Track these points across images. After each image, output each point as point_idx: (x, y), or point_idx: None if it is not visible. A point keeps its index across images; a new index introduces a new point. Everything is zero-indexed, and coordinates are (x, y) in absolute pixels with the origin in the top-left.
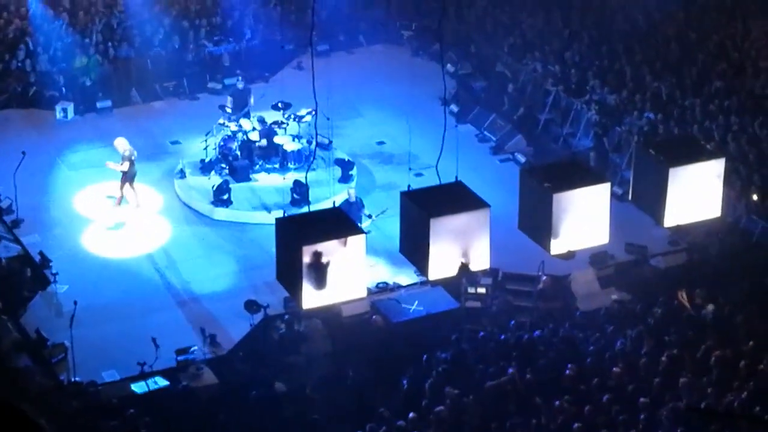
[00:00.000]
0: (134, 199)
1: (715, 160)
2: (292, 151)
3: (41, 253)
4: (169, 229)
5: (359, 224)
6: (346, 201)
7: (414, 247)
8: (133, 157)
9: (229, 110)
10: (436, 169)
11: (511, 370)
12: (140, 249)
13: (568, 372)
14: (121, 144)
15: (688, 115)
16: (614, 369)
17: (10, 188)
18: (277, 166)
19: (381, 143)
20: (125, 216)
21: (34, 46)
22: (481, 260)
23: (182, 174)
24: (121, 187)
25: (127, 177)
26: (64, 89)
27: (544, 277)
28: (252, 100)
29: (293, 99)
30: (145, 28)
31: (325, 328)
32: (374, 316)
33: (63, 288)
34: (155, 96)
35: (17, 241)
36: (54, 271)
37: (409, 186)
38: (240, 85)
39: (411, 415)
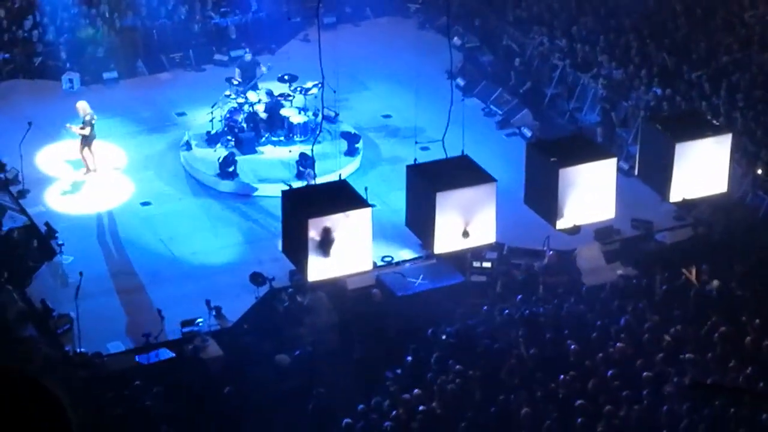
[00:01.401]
0: (91, 163)
1: (721, 136)
2: (298, 124)
3: (47, 224)
4: (174, 200)
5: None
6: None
7: (420, 221)
8: (93, 121)
9: (236, 82)
10: (443, 143)
11: (515, 345)
12: (146, 221)
13: (572, 347)
14: (83, 107)
15: (695, 90)
16: (618, 344)
17: (16, 159)
18: (282, 138)
19: (387, 116)
20: (82, 178)
21: (40, 16)
22: (486, 234)
23: (188, 146)
24: (81, 151)
25: (87, 140)
26: (70, 60)
27: (550, 252)
28: (264, 69)
29: (300, 71)
30: None
31: (330, 301)
32: (374, 290)
33: (69, 259)
34: (161, 67)
35: (23, 211)
36: (60, 242)
37: (415, 159)
38: (248, 57)
39: (418, 387)
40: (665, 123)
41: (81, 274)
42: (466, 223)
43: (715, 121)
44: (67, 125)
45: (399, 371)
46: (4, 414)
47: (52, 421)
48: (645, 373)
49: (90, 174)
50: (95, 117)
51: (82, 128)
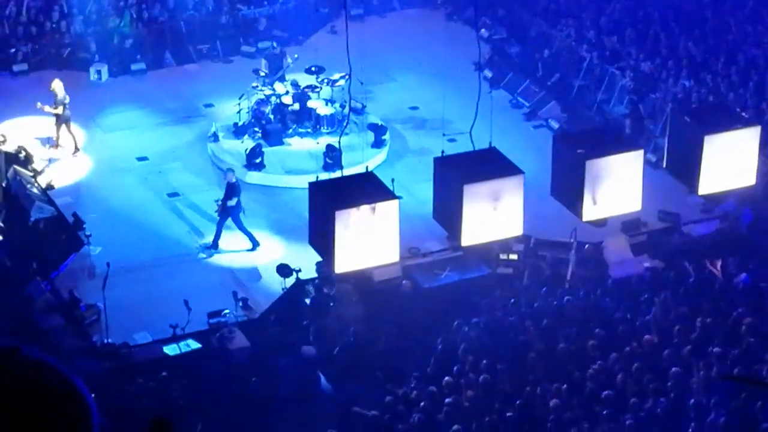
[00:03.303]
0: (71, 143)
1: (750, 128)
2: (325, 116)
3: (75, 215)
4: (201, 191)
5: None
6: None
7: (447, 213)
8: (65, 102)
9: (263, 73)
10: (470, 134)
11: (541, 337)
12: (174, 212)
13: (599, 339)
14: (58, 87)
15: (724, 82)
16: (645, 336)
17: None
18: (309, 130)
19: (414, 108)
20: (62, 158)
21: (68, 7)
22: (514, 226)
23: (215, 137)
24: (57, 130)
25: (62, 120)
26: (98, 51)
27: (587, 245)
28: (290, 60)
29: (327, 63)
30: None
31: (356, 292)
32: (404, 281)
33: (96, 250)
34: (189, 59)
35: (51, 202)
36: (87, 233)
37: (442, 152)
38: (276, 50)
39: (445, 379)
40: (694, 115)
41: (108, 264)
42: (495, 217)
43: (743, 114)
44: (38, 104)
45: (425, 363)
46: (25, 402)
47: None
48: (672, 367)
49: (71, 153)
50: (68, 97)
51: (54, 108)
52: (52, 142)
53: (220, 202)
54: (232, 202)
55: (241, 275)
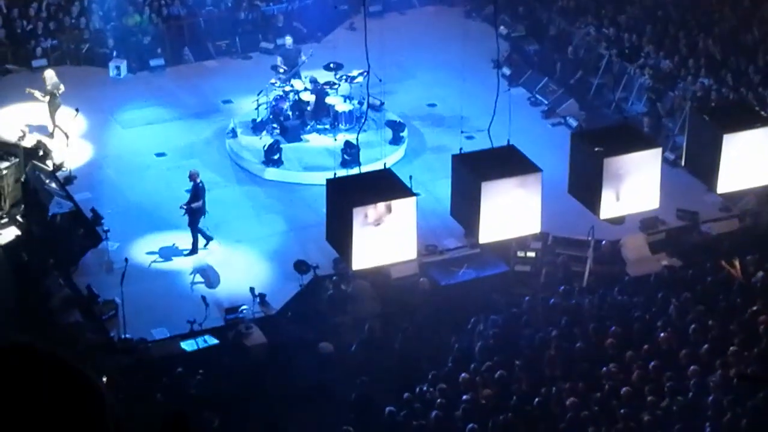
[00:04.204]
0: (61, 133)
1: None
2: (344, 112)
3: (93, 210)
4: (219, 187)
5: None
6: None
7: (464, 211)
8: (56, 91)
9: (282, 70)
10: (488, 132)
11: (558, 335)
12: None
13: (616, 338)
14: (50, 76)
15: (743, 80)
16: (662, 335)
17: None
18: (328, 126)
19: (432, 105)
20: (59, 147)
21: (88, 3)
22: (531, 224)
23: (233, 133)
24: (52, 119)
25: (54, 108)
26: (117, 47)
27: (604, 242)
28: (304, 57)
29: (345, 60)
30: None
31: (373, 289)
32: (421, 279)
33: (114, 245)
34: (207, 55)
35: (70, 197)
36: (106, 228)
37: (460, 149)
38: (289, 42)
39: (462, 376)
40: (712, 113)
41: (126, 260)
42: (513, 215)
43: (762, 112)
44: (27, 89)
45: (442, 360)
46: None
47: (88, 406)
48: (690, 365)
49: (53, 141)
50: (62, 87)
51: (44, 96)
52: (47, 132)
53: (185, 206)
54: (198, 204)
55: (258, 271)
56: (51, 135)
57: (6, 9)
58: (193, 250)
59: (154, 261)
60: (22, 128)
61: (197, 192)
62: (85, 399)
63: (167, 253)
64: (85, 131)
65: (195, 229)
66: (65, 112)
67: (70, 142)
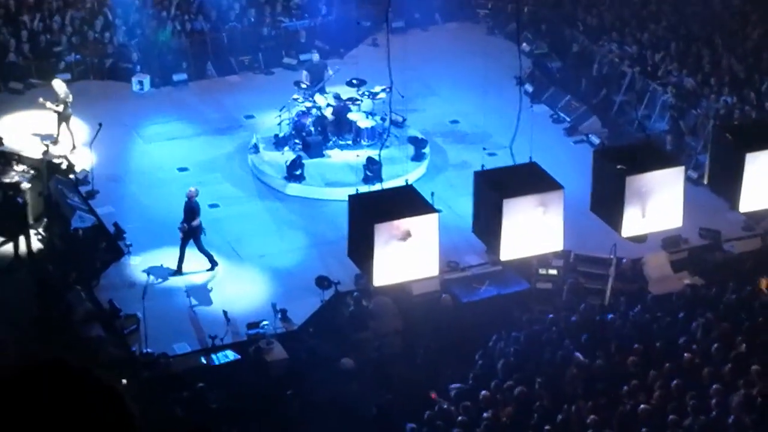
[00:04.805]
0: (70, 141)
1: None
2: (366, 128)
3: (116, 224)
4: (241, 203)
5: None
6: None
7: (486, 228)
8: (68, 100)
9: (304, 86)
10: (510, 149)
11: (578, 354)
12: (213, 223)
13: (638, 356)
14: (60, 86)
15: (766, 99)
16: (685, 354)
17: (87, 159)
18: (350, 142)
19: (455, 122)
20: (62, 154)
21: (112, 17)
22: (554, 241)
23: (256, 149)
24: (58, 128)
25: (62, 118)
26: (140, 62)
27: (625, 260)
28: (330, 72)
29: (368, 76)
30: (222, 2)
31: (394, 305)
32: (443, 295)
33: (136, 260)
34: (230, 70)
35: (92, 211)
36: (128, 243)
37: (482, 165)
38: (315, 57)
39: (483, 393)
40: (735, 132)
41: (148, 274)
42: (535, 232)
43: None
44: (41, 100)
45: (463, 377)
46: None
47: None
48: (712, 384)
49: (70, 151)
50: (71, 96)
51: (56, 105)
52: (52, 139)
53: (184, 225)
54: (196, 223)
55: (280, 286)
56: (56, 142)
57: (30, 23)
58: (179, 269)
59: (176, 275)
60: (45, 142)
61: (192, 210)
62: (114, 414)
63: (188, 267)
64: (108, 146)
65: (200, 248)
66: (79, 124)
67: (76, 150)
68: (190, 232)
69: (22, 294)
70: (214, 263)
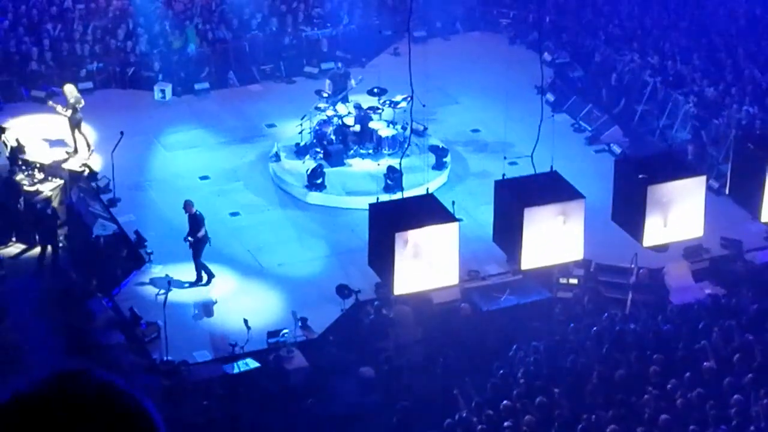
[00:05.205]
0: (83, 145)
1: None
2: (387, 137)
3: (137, 233)
4: (262, 211)
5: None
6: None
7: (507, 237)
8: (77, 106)
9: (326, 94)
10: (531, 158)
11: (600, 363)
12: (234, 231)
13: (658, 366)
14: (70, 91)
15: None
16: (705, 364)
17: (108, 167)
18: (371, 151)
19: (476, 131)
20: (77, 160)
21: (134, 26)
22: (574, 251)
23: (277, 157)
24: (72, 133)
25: (73, 123)
26: (162, 70)
27: (641, 269)
28: (353, 82)
29: (389, 85)
30: (243, 11)
31: (415, 314)
32: (463, 304)
33: (157, 268)
34: (252, 79)
35: (113, 220)
36: (149, 251)
37: (503, 175)
38: (341, 70)
39: (504, 403)
40: (757, 142)
41: (170, 282)
42: (556, 241)
43: None
44: (50, 102)
45: (483, 386)
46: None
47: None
48: (733, 394)
49: (76, 156)
50: (82, 102)
51: (65, 110)
52: (64, 145)
53: (190, 238)
54: (201, 234)
55: (300, 295)
56: (75, 150)
57: (52, 31)
58: (198, 278)
59: (197, 285)
60: (66, 150)
61: (197, 221)
62: (140, 426)
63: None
64: (130, 154)
65: (196, 259)
66: (101, 132)
67: (92, 150)
68: (197, 243)
69: (44, 302)
70: (210, 276)
